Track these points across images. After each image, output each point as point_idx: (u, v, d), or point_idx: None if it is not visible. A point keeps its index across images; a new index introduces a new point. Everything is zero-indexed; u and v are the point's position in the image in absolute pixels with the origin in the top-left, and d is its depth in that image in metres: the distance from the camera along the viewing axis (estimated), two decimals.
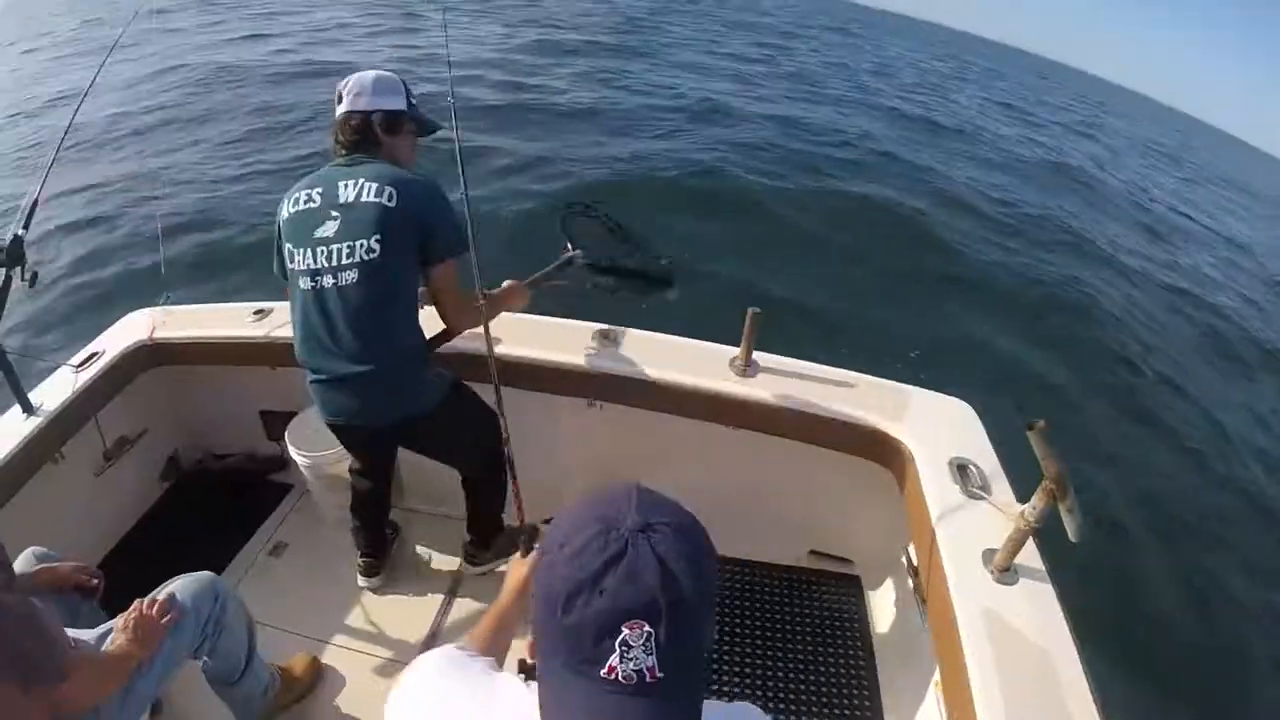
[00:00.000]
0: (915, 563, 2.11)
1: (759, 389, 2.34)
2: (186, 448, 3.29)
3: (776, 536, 2.72)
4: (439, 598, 2.72)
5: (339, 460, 2.75)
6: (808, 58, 24.34)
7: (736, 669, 2.44)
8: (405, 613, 2.67)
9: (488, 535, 2.65)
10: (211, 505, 3.11)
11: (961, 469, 2.02)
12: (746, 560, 2.74)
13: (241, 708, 2.19)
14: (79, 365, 2.70)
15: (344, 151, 1.99)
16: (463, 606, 2.71)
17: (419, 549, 2.92)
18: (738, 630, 2.55)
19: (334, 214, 1.90)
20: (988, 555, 1.79)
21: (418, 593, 2.74)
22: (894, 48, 37.16)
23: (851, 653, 2.46)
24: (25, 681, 1.42)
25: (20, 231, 2.22)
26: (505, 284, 2.29)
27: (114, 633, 1.73)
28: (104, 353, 2.77)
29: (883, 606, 2.55)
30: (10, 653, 1.40)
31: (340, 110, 2.00)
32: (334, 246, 1.89)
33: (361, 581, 2.71)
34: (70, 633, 1.77)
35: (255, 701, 2.20)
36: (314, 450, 2.76)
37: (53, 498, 2.59)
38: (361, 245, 1.87)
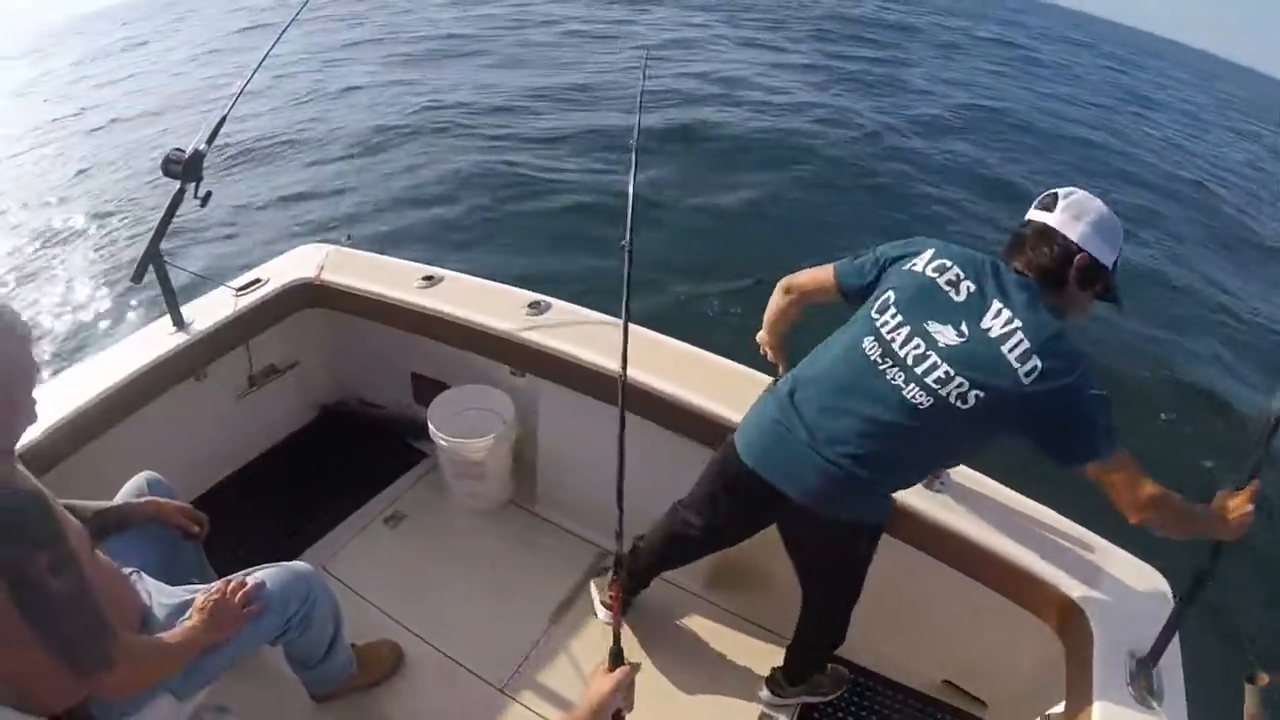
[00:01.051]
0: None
1: (945, 510, 2.02)
2: (333, 388, 3.24)
3: (913, 656, 2.39)
4: (544, 621, 2.49)
5: (480, 450, 2.60)
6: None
7: None
8: (506, 627, 2.46)
9: (807, 670, 2.22)
10: (342, 453, 3.03)
11: (1140, 665, 1.71)
12: (876, 673, 2.40)
13: (307, 682, 2.08)
14: (240, 289, 2.66)
15: (1018, 266, 1.59)
16: (567, 633, 2.47)
17: (541, 560, 2.71)
18: None
19: (964, 329, 1.53)
20: None
21: (524, 608, 2.52)
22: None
23: None
24: (69, 665, 1.32)
25: (202, 146, 2.17)
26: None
27: (191, 610, 1.59)
28: (267, 281, 2.73)
29: None
30: (53, 639, 1.30)
31: (1045, 220, 1.58)
32: (933, 360, 1.54)
33: (600, 613, 2.45)
34: (150, 587, 1.67)
35: (323, 681, 2.09)
36: (455, 434, 2.61)
37: (187, 413, 2.57)
38: (959, 386, 1.51)
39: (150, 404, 2.38)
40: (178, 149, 2.16)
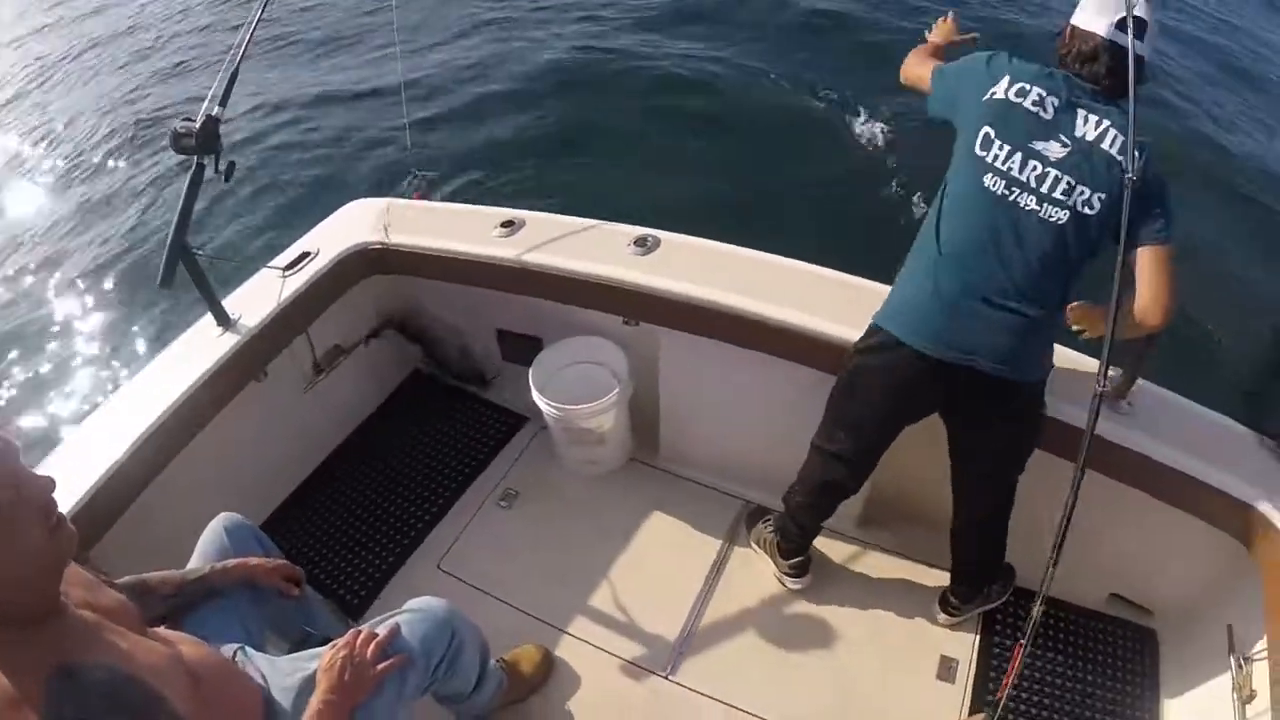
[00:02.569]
0: (1248, 652, 1.72)
1: (1135, 432, 1.79)
2: (406, 358, 2.92)
3: (1079, 575, 2.11)
4: (696, 586, 2.22)
5: (601, 416, 2.29)
6: None
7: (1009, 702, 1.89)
8: (657, 600, 2.20)
9: (980, 582, 2.10)
10: (429, 430, 2.73)
11: None
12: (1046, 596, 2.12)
13: (458, 714, 1.86)
14: (286, 268, 2.30)
15: (1088, 81, 1.64)
16: (725, 599, 2.20)
17: (679, 522, 2.40)
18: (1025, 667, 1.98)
19: (1064, 139, 1.59)
20: None
21: (672, 579, 2.25)
22: None
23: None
24: None
25: (215, 111, 1.80)
26: None
27: (318, 672, 1.30)
28: (317, 254, 2.36)
29: (1179, 676, 2.00)
30: None
31: (1100, 31, 1.60)
32: (1054, 175, 1.59)
33: (792, 585, 2.21)
34: (261, 665, 1.39)
35: (474, 711, 1.85)
36: (560, 395, 2.30)
37: (252, 421, 2.29)
38: (1081, 194, 1.58)
39: (210, 423, 2.08)
40: (186, 118, 1.79)
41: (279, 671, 1.37)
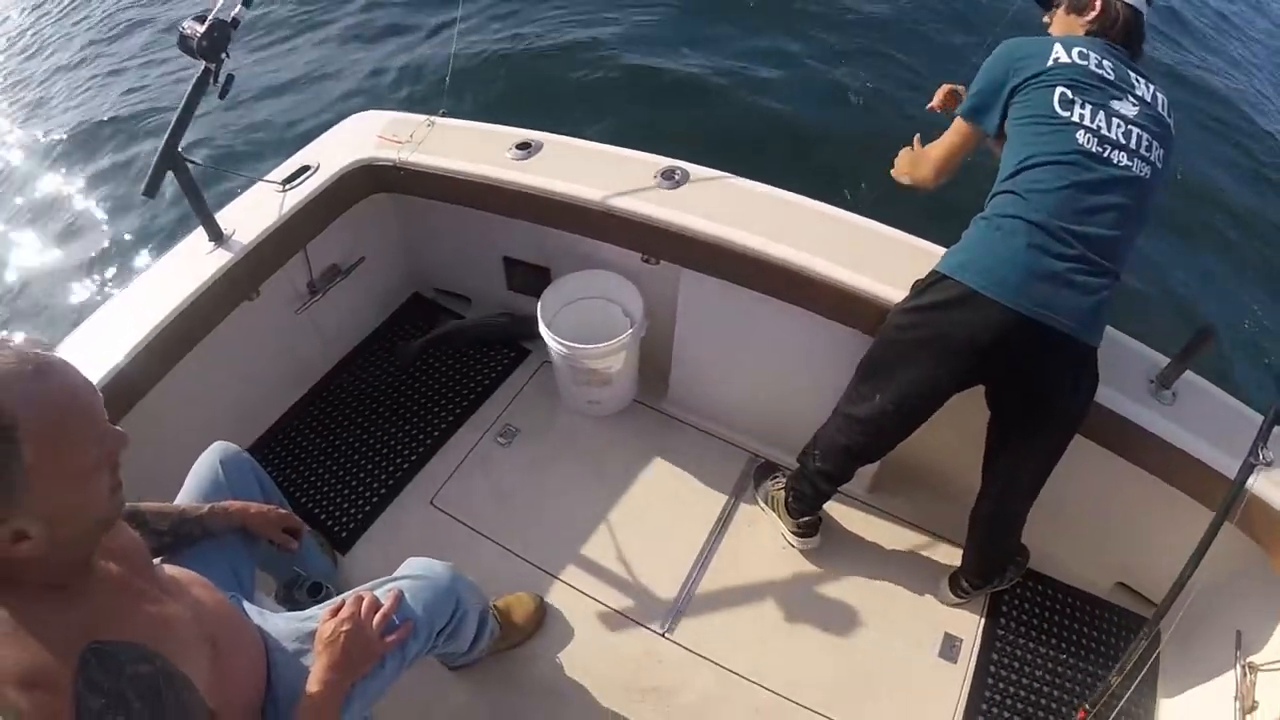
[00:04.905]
0: (1256, 660, 1.69)
1: (1175, 424, 1.71)
2: (406, 281, 2.80)
3: (1089, 561, 2.15)
4: (699, 542, 2.17)
5: (607, 354, 2.19)
6: None
7: (1008, 686, 1.96)
8: (657, 554, 2.14)
9: (995, 566, 2.04)
10: (431, 355, 2.64)
11: None
12: (1051, 577, 2.16)
13: (445, 659, 1.83)
14: (284, 183, 2.16)
15: (1119, 44, 1.72)
16: (727, 558, 2.15)
17: (684, 471, 2.34)
18: (1024, 649, 2.02)
19: (1133, 100, 1.63)
20: None
21: (674, 531, 2.20)
22: None
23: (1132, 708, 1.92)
24: None
25: (225, 15, 1.66)
26: None
27: (317, 643, 1.24)
28: (317, 168, 2.22)
29: (1179, 674, 1.95)
30: None
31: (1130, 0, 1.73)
32: (1135, 130, 1.60)
33: (800, 544, 2.15)
34: (255, 617, 1.32)
35: (464, 659, 1.82)
36: (569, 331, 2.20)
37: (243, 342, 2.19)
38: (1156, 150, 1.62)
39: (200, 343, 1.98)
40: (194, 20, 1.64)
41: (274, 629, 1.31)
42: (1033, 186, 1.59)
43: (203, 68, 1.70)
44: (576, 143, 2.25)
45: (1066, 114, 1.60)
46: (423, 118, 2.35)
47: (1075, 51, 1.64)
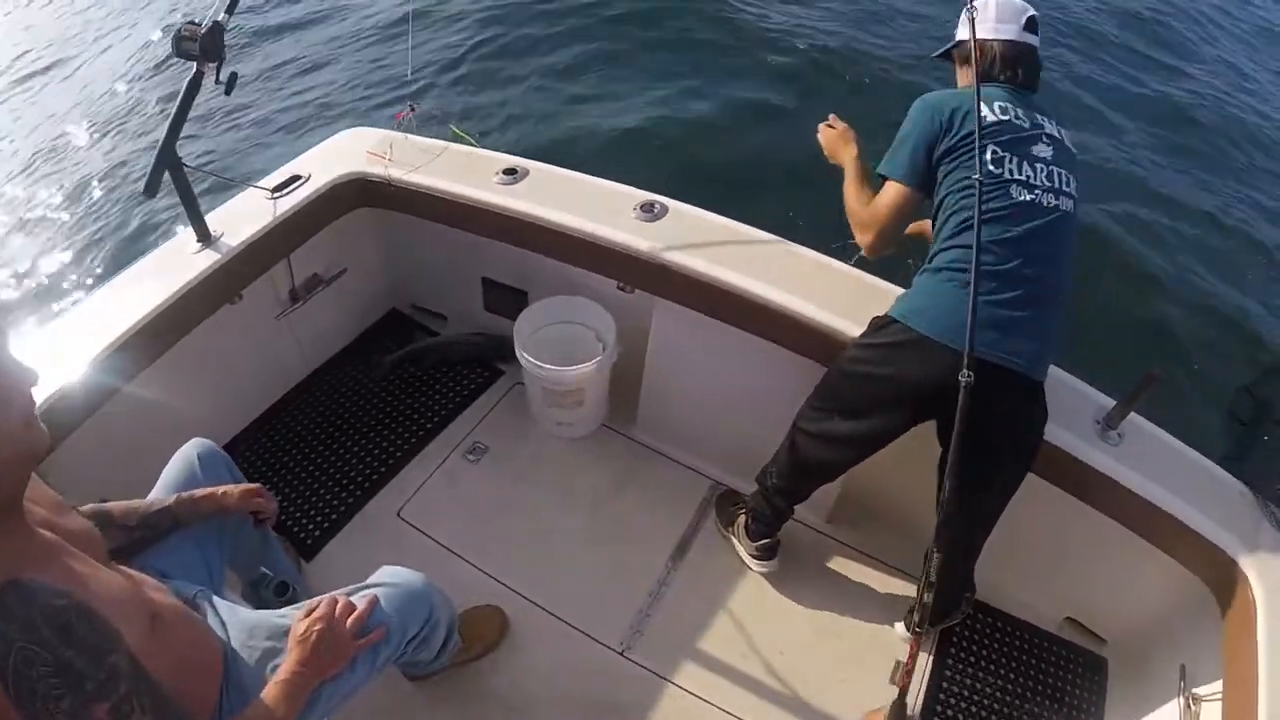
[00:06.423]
0: (1199, 693, 1.73)
1: (1122, 464, 1.79)
2: (385, 294, 2.84)
3: (1037, 595, 2.21)
4: (660, 563, 2.20)
5: (583, 379, 2.25)
6: None
7: (957, 715, 2.01)
8: (618, 575, 2.17)
9: (955, 603, 2.01)
10: (404, 369, 2.66)
11: None
12: (1000, 611, 2.22)
13: (405, 669, 1.83)
14: (275, 190, 2.20)
15: (1009, 83, 1.81)
16: (686, 581, 2.18)
17: (648, 495, 2.37)
18: (973, 682, 2.07)
19: (1045, 140, 1.74)
20: None
21: (635, 553, 2.22)
22: None
23: None
24: None
25: (221, 17, 1.71)
26: None
27: (290, 640, 1.25)
28: (308, 178, 2.26)
29: (1125, 707, 2.01)
30: None
31: (1013, 36, 1.82)
32: (1054, 169, 1.72)
33: (758, 567, 2.18)
34: (223, 612, 1.33)
35: (425, 670, 1.83)
36: (542, 353, 2.24)
37: (223, 344, 2.20)
38: (1071, 182, 1.73)
39: (180, 342, 2.01)
40: (191, 22, 1.69)
41: (242, 625, 1.31)
42: (976, 242, 1.62)
43: (195, 70, 1.74)
44: (562, 172, 2.32)
45: (999, 171, 1.68)
46: (414, 138, 2.42)
47: (996, 106, 1.73)
